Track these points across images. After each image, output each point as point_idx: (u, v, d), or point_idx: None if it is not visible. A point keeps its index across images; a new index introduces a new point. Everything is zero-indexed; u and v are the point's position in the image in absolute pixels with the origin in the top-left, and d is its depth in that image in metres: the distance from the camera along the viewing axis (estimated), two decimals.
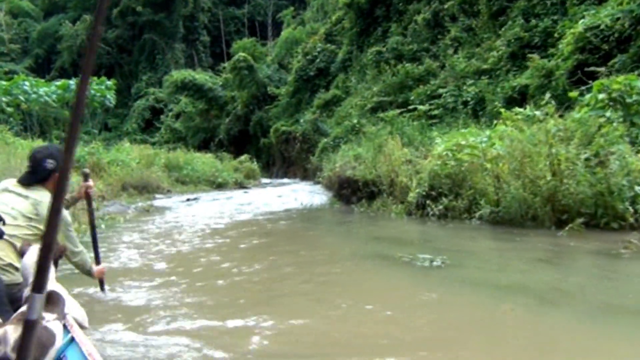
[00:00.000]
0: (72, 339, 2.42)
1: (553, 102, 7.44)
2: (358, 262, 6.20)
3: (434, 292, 4.50)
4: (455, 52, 18.62)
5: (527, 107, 8.35)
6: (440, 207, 8.00)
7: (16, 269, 3.09)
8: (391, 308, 4.09)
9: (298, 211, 11.90)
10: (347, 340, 3.43)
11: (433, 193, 8.28)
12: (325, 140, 20.51)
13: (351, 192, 11.11)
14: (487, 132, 7.87)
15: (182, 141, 36.28)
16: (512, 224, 6.97)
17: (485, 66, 16.45)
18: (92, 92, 27.48)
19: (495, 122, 8.85)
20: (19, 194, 3.31)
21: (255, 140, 33.12)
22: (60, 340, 2.35)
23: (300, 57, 29.83)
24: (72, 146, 0.99)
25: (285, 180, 25.97)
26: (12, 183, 3.41)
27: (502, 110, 8.36)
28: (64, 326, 2.51)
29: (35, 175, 3.36)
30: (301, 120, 25.87)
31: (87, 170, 4.40)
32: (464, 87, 16.33)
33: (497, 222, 7.24)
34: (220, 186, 21.68)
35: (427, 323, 3.74)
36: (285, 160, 28.69)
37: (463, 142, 7.96)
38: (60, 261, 3.18)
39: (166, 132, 40.63)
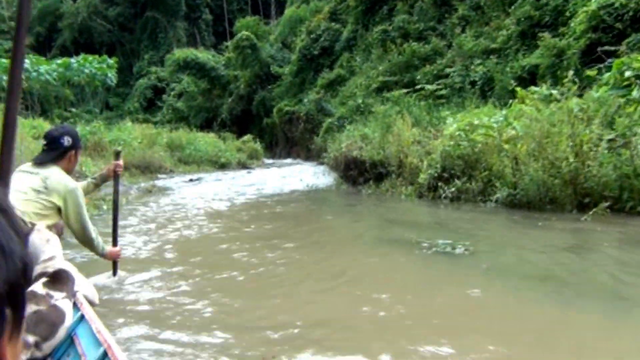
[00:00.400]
0: (82, 317, 2.42)
1: (576, 79, 7.13)
2: (373, 247, 5.88)
3: (463, 282, 4.22)
4: (463, 31, 18.23)
5: (543, 85, 8.03)
6: (453, 189, 7.75)
7: None
8: (417, 300, 3.87)
9: (304, 192, 11.65)
10: (373, 334, 3.22)
11: (445, 174, 8.02)
12: (330, 120, 20.23)
13: (358, 173, 10.87)
14: (503, 112, 7.54)
15: (184, 121, 35.90)
16: (531, 208, 6.71)
17: (493, 45, 16.11)
18: (93, 70, 27.19)
19: (510, 101, 8.51)
20: (31, 172, 3.36)
21: (258, 120, 32.80)
22: (70, 319, 2.39)
23: (304, 36, 29.33)
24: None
25: (289, 160, 25.74)
26: (28, 165, 3.49)
27: (518, 89, 8.03)
28: (74, 304, 2.55)
29: (51, 152, 3.45)
30: (305, 100, 25.51)
31: (119, 149, 4.50)
32: (472, 67, 16.02)
33: (514, 205, 6.97)
34: (223, 166, 21.49)
35: (461, 317, 3.50)
36: (288, 140, 28.40)
37: (476, 122, 7.67)
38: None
39: (168, 112, 40.24)
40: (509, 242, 5.72)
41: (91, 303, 2.75)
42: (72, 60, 26.75)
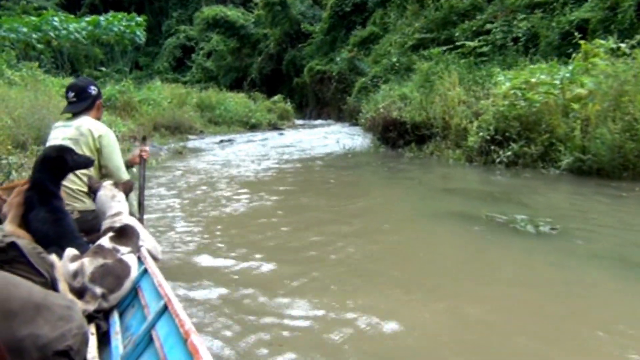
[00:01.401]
0: (146, 270, 2.51)
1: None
2: (438, 223, 5.03)
3: (567, 274, 3.49)
4: None
5: (610, 39, 7.30)
6: (509, 153, 7.11)
7: (86, 194, 3.20)
8: (521, 300, 3.14)
9: (341, 155, 11.11)
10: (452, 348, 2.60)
11: (498, 137, 7.37)
12: (363, 79, 19.59)
13: (397, 134, 10.29)
14: (569, 67, 6.80)
15: (213, 80, 35.55)
16: (602, 175, 6.04)
17: None
18: (122, 28, 26.89)
19: (574, 55, 7.70)
20: (65, 126, 3.43)
21: (288, 80, 32.20)
22: (135, 272, 2.50)
23: None
24: None
25: (319, 121, 25.25)
26: (60, 121, 3.56)
27: (582, 42, 7.30)
28: (138, 258, 2.66)
29: (81, 103, 3.50)
30: (337, 59, 24.75)
31: (145, 134, 4.74)
32: (515, 22, 15.11)
33: (583, 172, 6.27)
34: (253, 127, 21.13)
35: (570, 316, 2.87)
36: (319, 100, 27.82)
37: (533, 80, 7.01)
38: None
39: (197, 71, 39.88)
40: (599, 218, 4.83)
41: (154, 257, 2.81)
42: (101, 18, 26.44)
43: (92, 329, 2.13)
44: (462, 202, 5.88)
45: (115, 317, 2.33)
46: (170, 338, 1.80)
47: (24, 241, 2.32)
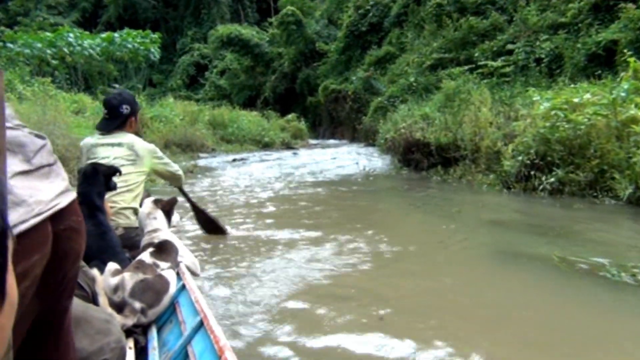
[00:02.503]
0: (184, 286, 2.54)
1: None
2: (497, 265, 4.19)
3: None
4: (527, 3, 16.84)
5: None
6: (552, 179, 6.51)
7: (134, 211, 3.38)
8: None
9: (362, 178, 10.51)
10: None
11: (539, 162, 6.77)
12: (379, 99, 19.21)
13: (421, 156, 9.79)
14: (624, 86, 6.26)
15: (226, 98, 35.40)
16: None
17: (562, 19, 14.74)
18: (136, 45, 26.85)
19: (624, 74, 7.08)
20: (111, 144, 3.51)
21: (302, 99, 31.93)
22: (174, 287, 2.53)
23: (352, 11, 28.16)
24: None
25: (333, 141, 24.86)
26: (96, 137, 3.60)
27: (631, 60, 6.80)
28: (177, 274, 2.69)
29: (114, 121, 3.59)
30: (353, 78, 24.42)
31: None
32: (537, 43, 14.73)
33: None
34: (266, 146, 20.77)
35: None
36: (333, 120, 27.46)
37: (576, 100, 6.49)
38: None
39: (210, 89, 39.79)
40: None
41: (193, 273, 2.92)
42: (116, 34, 26.42)
43: (130, 343, 2.14)
44: (517, 237, 5.12)
45: (153, 332, 2.35)
46: (205, 354, 1.81)
47: None
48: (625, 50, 10.92)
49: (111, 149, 3.49)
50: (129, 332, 2.19)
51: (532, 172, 6.78)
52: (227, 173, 11.63)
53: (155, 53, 25.32)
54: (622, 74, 7.02)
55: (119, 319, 2.15)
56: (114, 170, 3.07)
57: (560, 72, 13.36)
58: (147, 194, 3.48)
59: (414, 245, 4.91)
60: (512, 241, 4.98)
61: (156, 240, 2.82)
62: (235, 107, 26.04)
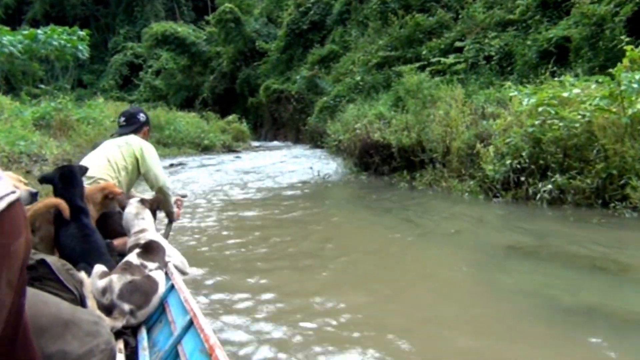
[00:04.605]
0: (173, 286, 2.54)
1: None
2: (542, 323, 3.00)
3: None
4: (474, 0, 16.51)
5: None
6: (550, 186, 5.59)
7: None
8: None
9: (318, 185, 9.44)
10: None
11: (530, 166, 5.92)
12: (325, 99, 18.48)
13: (381, 160, 8.95)
14: (637, 76, 5.48)
15: (163, 99, 33.87)
16: None
17: (511, 16, 14.49)
18: (62, 42, 25.09)
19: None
20: (117, 144, 3.69)
21: (243, 100, 30.86)
22: (162, 288, 2.52)
23: (292, 9, 27.44)
24: None
25: (277, 143, 23.95)
26: (109, 140, 3.83)
27: (628, 48, 6.14)
28: (165, 274, 2.68)
29: (129, 126, 3.86)
30: (297, 77, 23.60)
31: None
32: (486, 40, 14.41)
33: None
34: (206, 149, 19.65)
35: None
36: (275, 121, 26.56)
37: (565, 94, 5.78)
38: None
39: (146, 90, 38.02)
40: None
41: (182, 272, 2.97)
42: (39, 31, 24.60)
43: (120, 345, 2.11)
44: (551, 274, 3.87)
45: (143, 333, 2.31)
46: (195, 353, 1.80)
47: (53, 258, 2.27)
48: (580, 46, 10.68)
49: (111, 140, 3.76)
50: (118, 333, 2.16)
51: (523, 178, 5.96)
52: None
53: (84, 51, 23.65)
54: (579, 70, 6.43)
55: (108, 321, 2.10)
56: (86, 169, 3.05)
57: (511, 70, 13.10)
58: (131, 194, 3.44)
59: (406, 287, 3.80)
60: (548, 278, 3.69)
61: (142, 241, 2.76)
62: (172, 109, 24.70)
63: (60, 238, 2.67)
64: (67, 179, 2.81)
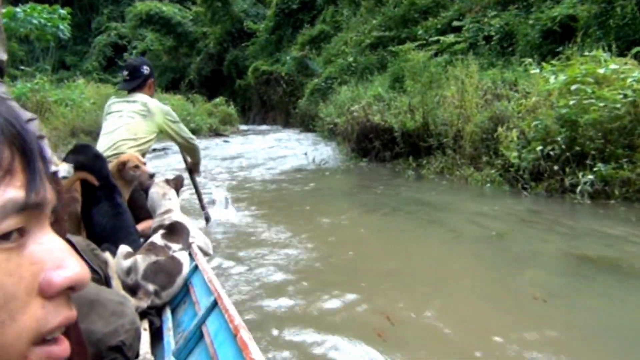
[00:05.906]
0: (197, 267, 2.53)
1: None
2: None
3: None
4: None
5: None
6: (591, 176, 4.81)
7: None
8: None
9: (315, 173, 8.58)
10: None
11: (567, 154, 5.14)
12: (316, 81, 17.80)
13: (382, 145, 8.25)
14: None
15: None
16: None
17: None
18: (42, 21, 24.12)
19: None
20: (127, 101, 3.72)
21: (230, 82, 30.02)
22: (186, 269, 2.51)
23: None
24: None
25: (265, 127, 23.18)
26: (114, 98, 3.87)
27: None
28: (189, 255, 2.67)
29: (134, 81, 3.77)
30: (287, 59, 22.85)
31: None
32: (486, 20, 13.83)
33: None
34: (192, 133, 18.80)
35: None
36: (264, 104, 25.80)
37: (601, 71, 5.08)
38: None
39: None
40: None
41: (205, 253, 2.92)
42: (18, 9, 23.62)
43: (145, 325, 2.13)
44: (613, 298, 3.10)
45: (167, 313, 2.33)
46: (220, 333, 1.81)
47: (78, 238, 2.24)
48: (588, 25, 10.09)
49: (126, 104, 3.67)
50: (143, 313, 2.17)
51: (558, 168, 5.18)
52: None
53: (65, 30, 22.69)
54: (586, 51, 5.67)
55: (132, 301, 2.10)
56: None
57: (512, 50, 12.53)
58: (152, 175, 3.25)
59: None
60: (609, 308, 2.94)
61: (167, 222, 2.75)
62: (157, 91, 23.86)
63: (93, 216, 2.67)
64: (99, 160, 2.78)
